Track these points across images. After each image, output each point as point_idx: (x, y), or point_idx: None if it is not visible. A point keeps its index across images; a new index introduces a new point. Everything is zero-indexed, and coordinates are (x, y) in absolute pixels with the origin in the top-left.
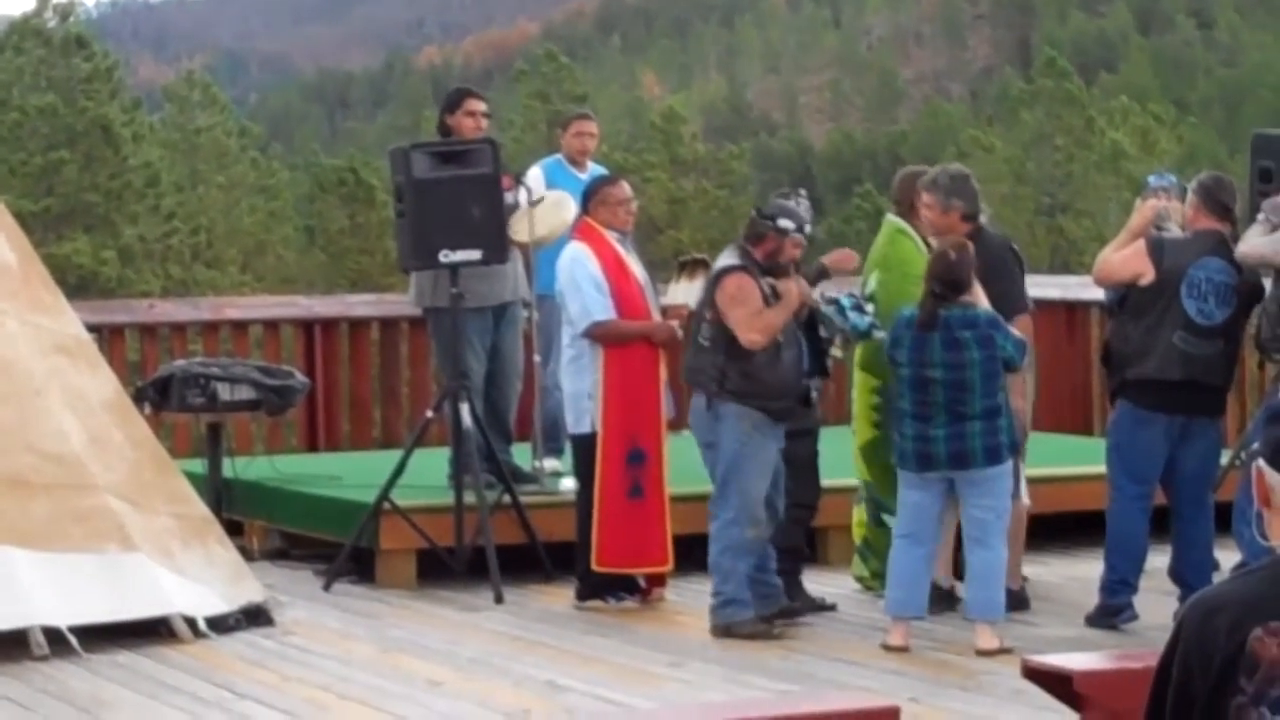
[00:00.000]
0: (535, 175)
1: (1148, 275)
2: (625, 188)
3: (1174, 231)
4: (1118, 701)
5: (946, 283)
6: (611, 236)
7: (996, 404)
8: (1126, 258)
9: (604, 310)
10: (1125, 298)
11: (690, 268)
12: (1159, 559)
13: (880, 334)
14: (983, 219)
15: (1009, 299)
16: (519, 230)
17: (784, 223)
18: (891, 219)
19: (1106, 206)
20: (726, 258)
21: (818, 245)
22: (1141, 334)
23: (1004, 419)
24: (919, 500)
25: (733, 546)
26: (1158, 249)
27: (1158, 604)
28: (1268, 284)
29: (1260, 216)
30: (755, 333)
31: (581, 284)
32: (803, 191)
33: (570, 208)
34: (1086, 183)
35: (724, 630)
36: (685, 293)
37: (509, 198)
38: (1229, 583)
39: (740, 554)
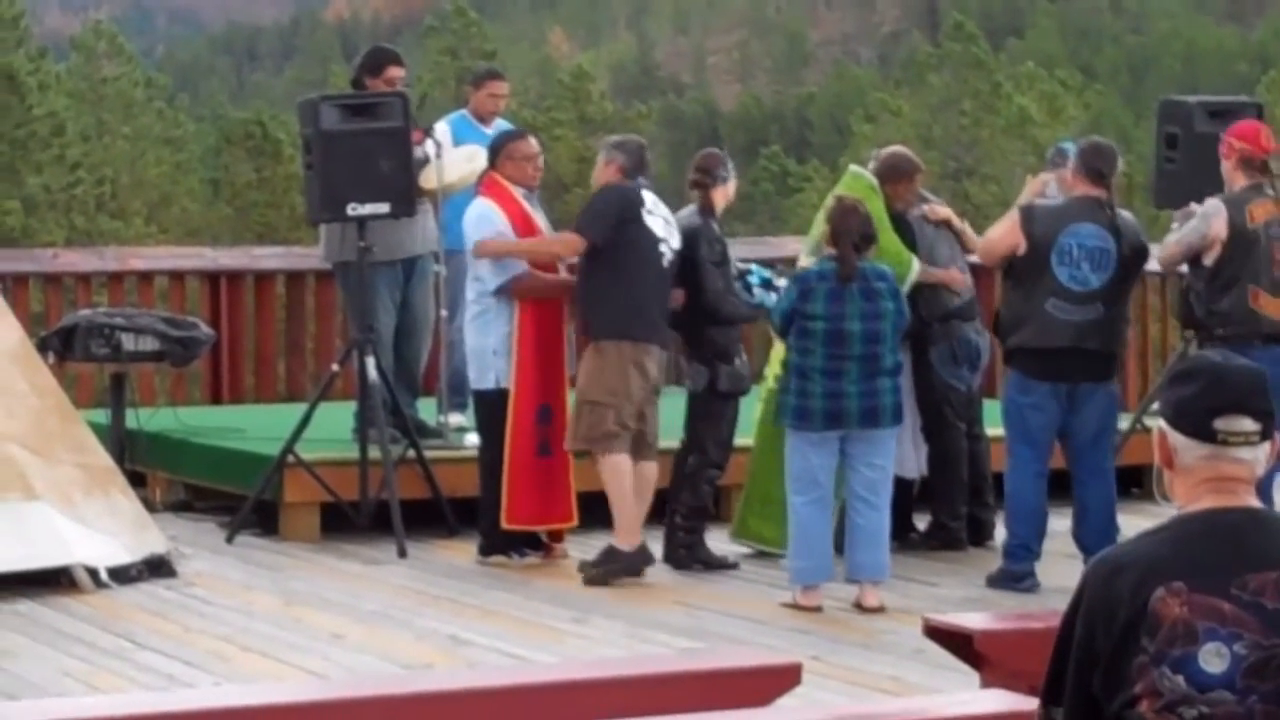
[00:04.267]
0: (442, 130)
1: (1021, 246)
2: (533, 143)
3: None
4: (1017, 662)
5: (864, 235)
6: (518, 193)
7: (899, 361)
8: (1002, 234)
9: (519, 264)
10: (1011, 266)
11: None
12: (1063, 522)
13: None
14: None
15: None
16: (428, 179)
17: None
18: (860, 170)
19: (1012, 172)
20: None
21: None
22: (1020, 302)
23: (900, 378)
24: (820, 464)
25: None
26: (1028, 219)
27: (1061, 567)
28: (1154, 249)
29: (1174, 225)
30: None
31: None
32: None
33: (481, 159)
34: (993, 147)
35: None
36: None
37: (418, 151)
38: (1132, 543)
39: None
